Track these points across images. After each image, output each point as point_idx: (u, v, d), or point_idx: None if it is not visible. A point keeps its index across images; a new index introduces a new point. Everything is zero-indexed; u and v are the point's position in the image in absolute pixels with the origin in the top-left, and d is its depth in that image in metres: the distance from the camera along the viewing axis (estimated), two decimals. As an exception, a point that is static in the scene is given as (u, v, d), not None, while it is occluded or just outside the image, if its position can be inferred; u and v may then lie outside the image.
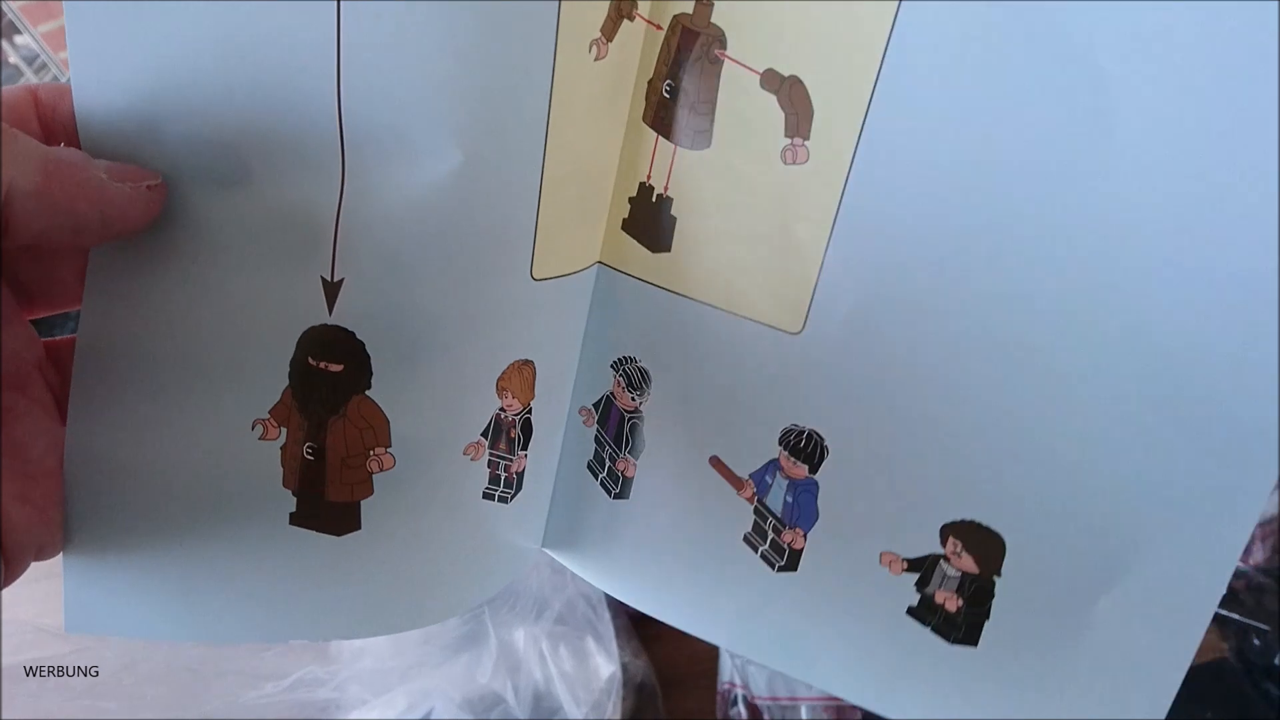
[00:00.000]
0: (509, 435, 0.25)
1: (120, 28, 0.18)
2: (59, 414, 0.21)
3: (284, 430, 0.21)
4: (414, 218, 0.21)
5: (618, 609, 0.51)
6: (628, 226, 0.24)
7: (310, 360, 0.21)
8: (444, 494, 0.24)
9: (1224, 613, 0.45)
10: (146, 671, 0.39)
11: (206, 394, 0.21)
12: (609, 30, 0.22)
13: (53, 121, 0.19)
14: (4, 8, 0.51)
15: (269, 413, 0.21)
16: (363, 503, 0.22)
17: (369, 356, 0.21)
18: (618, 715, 0.44)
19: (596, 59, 0.21)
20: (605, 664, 0.44)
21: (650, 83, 0.23)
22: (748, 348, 0.23)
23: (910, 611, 0.24)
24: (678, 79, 0.22)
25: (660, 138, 0.23)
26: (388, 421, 0.22)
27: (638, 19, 0.22)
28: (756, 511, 0.25)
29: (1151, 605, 0.21)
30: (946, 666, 0.23)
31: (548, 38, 0.20)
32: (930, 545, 0.23)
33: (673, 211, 0.24)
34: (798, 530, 0.24)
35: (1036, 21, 0.18)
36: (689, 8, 0.22)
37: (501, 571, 0.27)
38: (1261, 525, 0.46)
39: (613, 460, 0.26)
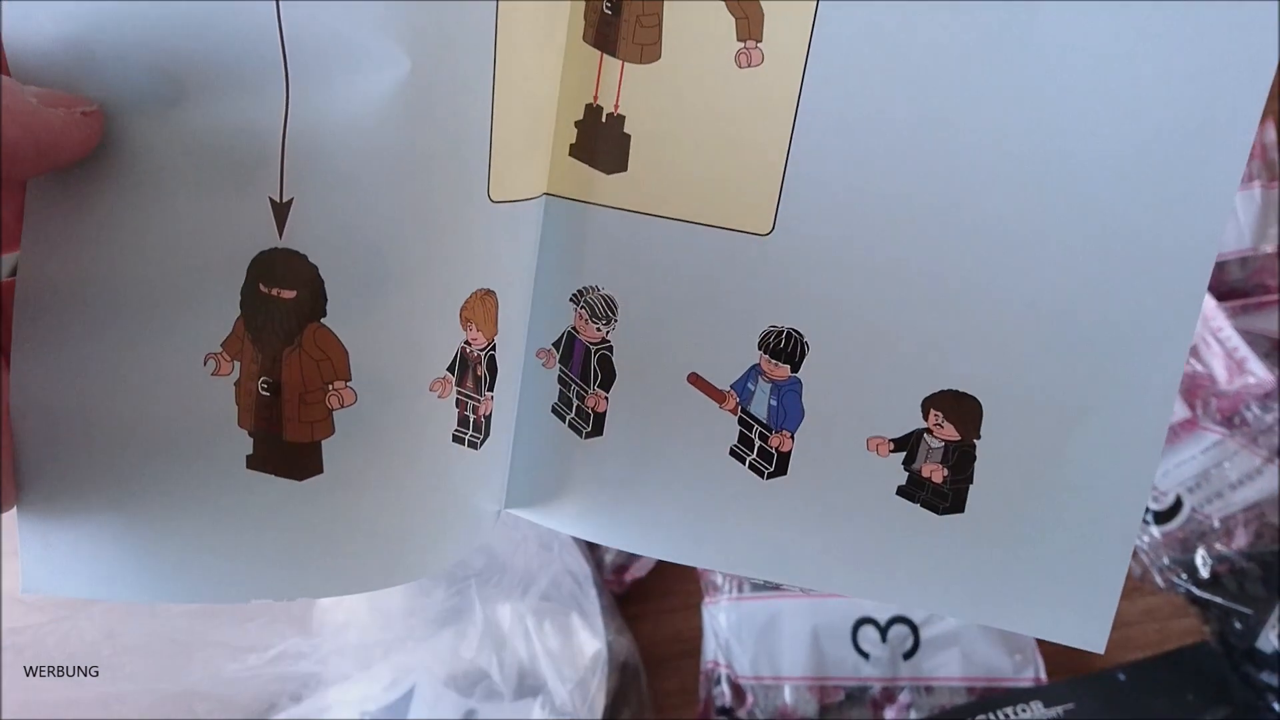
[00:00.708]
0: (475, 373, 0.24)
1: None
2: (2, 361, 0.20)
3: (237, 365, 0.20)
4: (364, 131, 0.20)
5: (601, 587, 0.50)
6: (577, 151, 0.24)
7: (262, 287, 0.20)
8: (411, 434, 0.23)
9: (1206, 596, 0.46)
10: (126, 642, 0.38)
11: (155, 329, 0.20)
12: None
13: None
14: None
15: (221, 346, 0.20)
16: (324, 444, 0.21)
17: (323, 281, 0.20)
18: (602, 693, 0.44)
19: None
20: (590, 641, 0.44)
21: (588, 1, 0.23)
22: (719, 256, 0.23)
23: (900, 491, 0.24)
24: None
25: (605, 56, 0.23)
26: (346, 353, 0.21)
27: None
28: (741, 421, 0.25)
29: (1113, 437, 0.22)
30: (939, 539, 0.24)
31: None
32: (913, 422, 0.24)
33: (625, 129, 0.23)
34: (784, 433, 0.24)
35: None
36: None
37: (473, 530, 0.26)
38: (1244, 511, 0.46)
39: (581, 398, 0.26)
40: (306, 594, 0.22)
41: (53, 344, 0.20)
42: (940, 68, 0.21)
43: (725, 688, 0.48)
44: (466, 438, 0.24)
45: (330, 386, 0.21)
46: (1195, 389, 0.49)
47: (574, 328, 0.25)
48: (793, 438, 0.24)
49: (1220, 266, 0.52)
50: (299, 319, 0.21)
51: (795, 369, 0.24)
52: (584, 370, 0.26)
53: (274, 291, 0.20)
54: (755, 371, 0.24)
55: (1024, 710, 0.44)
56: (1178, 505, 0.47)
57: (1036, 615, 0.24)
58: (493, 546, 0.45)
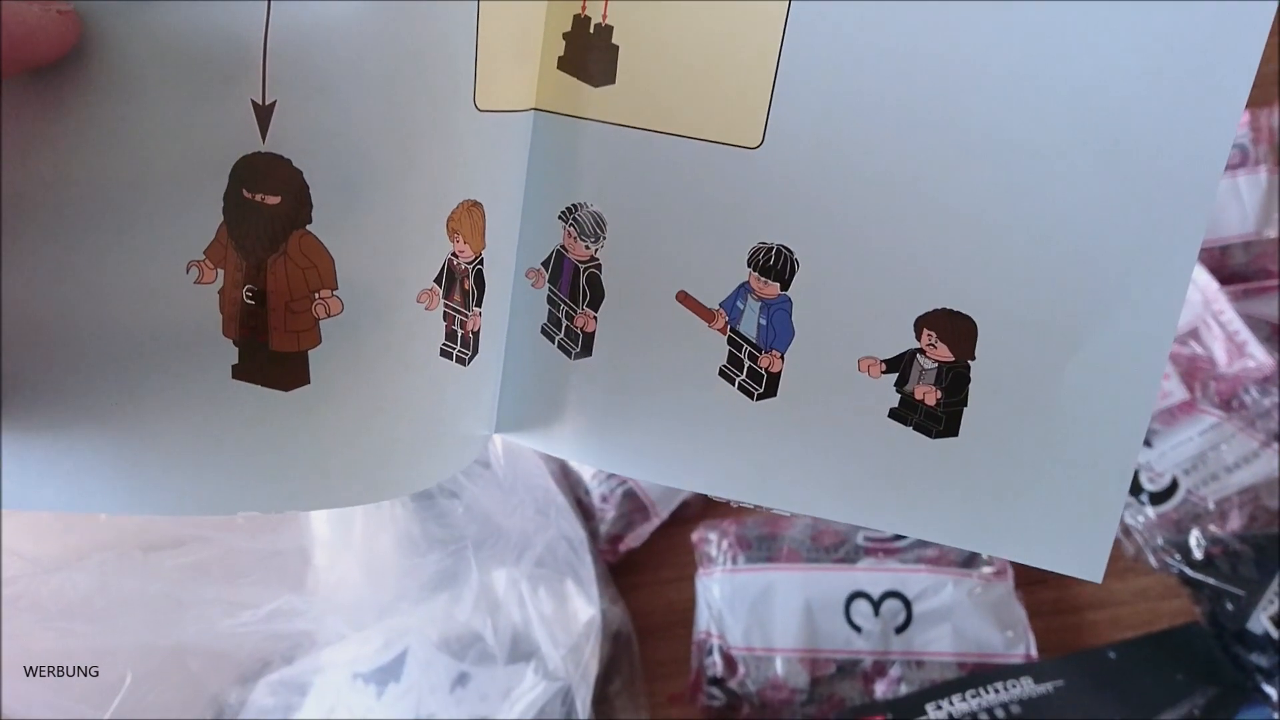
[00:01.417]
0: (463, 286, 0.23)
1: None
2: None
3: (220, 273, 0.20)
4: (348, 32, 0.19)
5: (596, 556, 0.50)
6: (565, 64, 0.23)
7: (245, 192, 0.20)
8: (399, 345, 0.22)
9: (1198, 577, 0.46)
10: (120, 595, 0.38)
11: (135, 236, 0.20)
12: None
13: None
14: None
15: (204, 253, 0.20)
16: (311, 354, 0.21)
17: (307, 186, 0.20)
18: (595, 659, 0.44)
19: None
20: (585, 608, 0.44)
21: None
22: (708, 171, 0.23)
23: (892, 414, 0.23)
24: None
25: None
26: (332, 260, 0.20)
27: None
28: (730, 341, 0.24)
29: (1112, 363, 0.22)
30: (931, 463, 0.23)
31: None
32: (906, 342, 0.23)
33: (614, 40, 0.23)
34: (774, 353, 0.24)
35: None
36: None
37: (461, 450, 0.25)
38: (1240, 494, 0.46)
39: (570, 318, 0.25)
40: (293, 507, 0.22)
41: (30, 252, 0.19)
42: None
43: (717, 658, 0.48)
44: (454, 352, 0.24)
45: (317, 295, 0.21)
46: (1195, 371, 0.49)
47: (563, 246, 0.25)
48: (782, 358, 0.24)
49: (1223, 250, 0.52)
50: (283, 225, 0.20)
51: (785, 287, 0.24)
52: (573, 289, 0.25)
53: (257, 197, 0.20)
54: (745, 289, 0.24)
55: (1014, 686, 0.44)
56: (1173, 487, 0.47)
57: (1031, 543, 0.23)
58: (489, 511, 0.45)
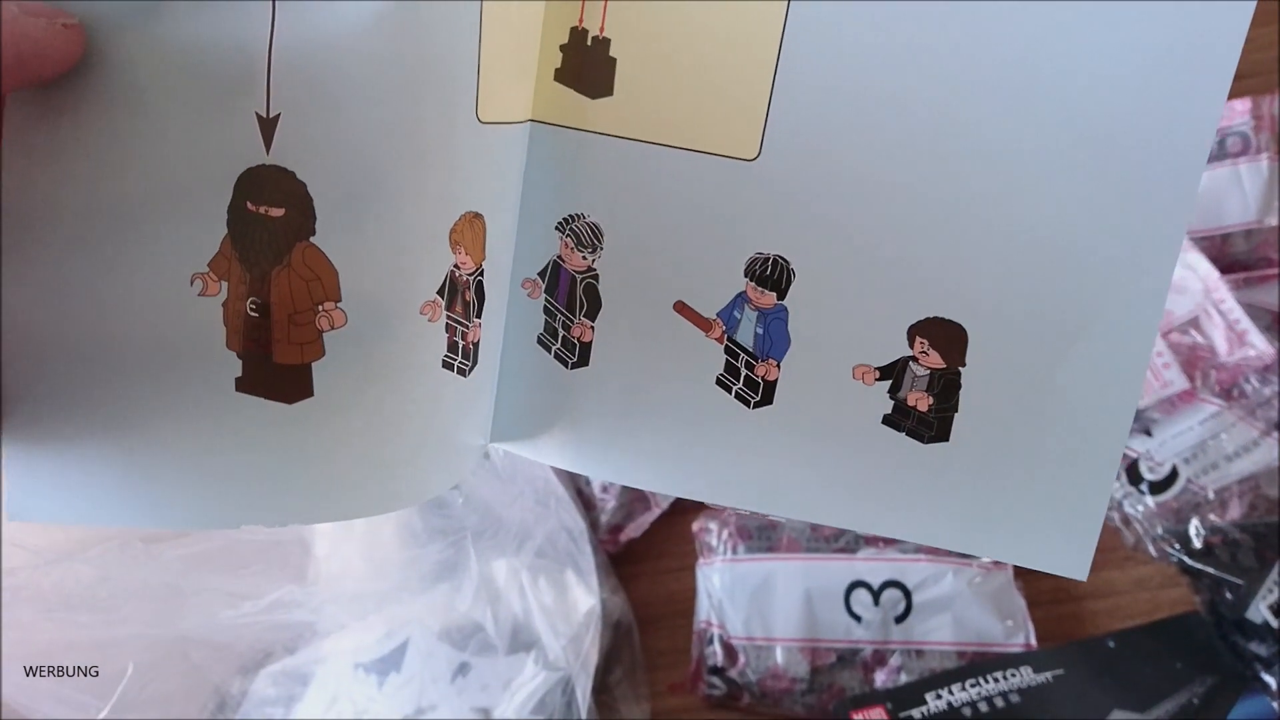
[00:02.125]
0: (464, 297, 0.23)
1: None
2: None
3: (225, 285, 0.20)
4: (352, 45, 0.19)
5: (596, 546, 0.50)
6: (562, 76, 0.23)
7: (249, 205, 0.20)
8: (402, 357, 0.22)
9: (1198, 566, 0.46)
10: (122, 586, 0.38)
11: (139, 248, 0.19)
12: None
13: None
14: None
15: (208, 265, 0.20)
16: (314, 366, 0.21)
17: (311, 198, 0.20)
18: (596, 649, 0.44)
19: None
20: (585, 598, 0.44)
21: None
22: (704, 182, 0.23)
23: (885, 420, 0.24)
24: None
25: None
26: (336, 272, 0.20)
27: None
28: (727, 350, 0.24)
29: (1097, 365, 0.22)
30: (924, 468, 0.24)
31: None
32: (899, 350, 0.23)
33: (611, 53, 0.23)
34: (770, 361, 0.24)
35: None
36: None
37: (459, 462, 0.25)
38: (1239, 483, 0.46)
39: (566, 328, 0.25)
40: (296, 520, 0.22)
41: (35, 264, 0.19)
42: None
43: (718, 647, 0.48)
44: (456, 364, 0.24)
45: (320, 307, 0.20)
46: (1195, 360, 0.48)
47: (560, 256, 0.25)
48: (779, 366, 0.24)
49: (1224, 239, 0.51)
50: (287, 237, 0.20)
51: (782, 296, 0.24)
52: (570, 299, 0.25)
53: (261, 209, 0.20)
54: (742, 299, 0.24)
55: (1013, 675, 0.44)
56: (1173, 476, 0.47)
57: (1019, 544, 0.24)
58: (489, 501, 0.45)
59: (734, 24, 0.22)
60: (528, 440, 0.26)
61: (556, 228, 0.25)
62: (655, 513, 0.55)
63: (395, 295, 0.22)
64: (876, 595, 0.47)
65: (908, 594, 0.47)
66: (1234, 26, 0.20)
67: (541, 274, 0.25)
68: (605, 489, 0.55)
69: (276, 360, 0.21)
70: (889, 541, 0.49)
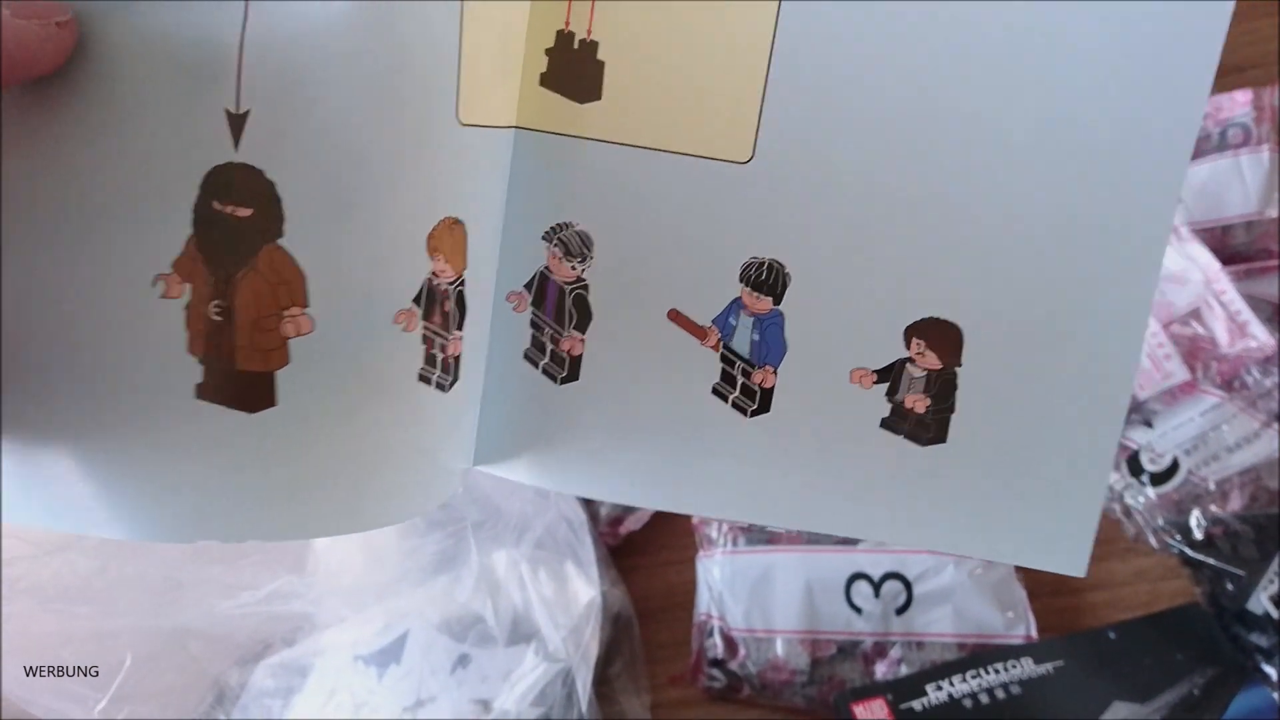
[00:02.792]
0: (443, 307, 0.22)
1: None
2: None
3: (189, 287, 0.19)
4: (326, 41, 0.18)
5: (596, 538, 0.50)
6: (548, 80, 0.23)
7: (215, 204, 0.19)
8: (373, 367, 0.21)
9: (1199, 557, 0.45)
10: (119, 576, 0.38)
11: (102, 246, 0.19)
12: None
13: None
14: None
15: (171, 266, 0.19)
16: (279, 374, 0.20)
17: (280, 198, 0.19)
18: (596, 640, 0.44)
19: None
20: (585, 589, 0.44)
21: None
22: (697, 186, 0.23)
23: (883, 424, 0.24)
24: None
25: None
26: (304, 277, 0.20)
27: None
28: (723, 358, 0.24)
29: (1090, 361, 0.22)
30: (923, 470, 0.24)
31: None
32: (896, 352, 0.23)
33: (599, 56, 0.22)
34: (767, 368, 0.24)
35: None
36: None
37: (438, 485, 0.24)
38: (1240, 474, 0.46)
39: (555, 341, 0.25)
40: (255, 536, 0.21)
41: (7, 264, 0.19)
42: None
43: (718, 640, 0.47)
44: (434, 378, 0.23)
45: (286, 313, 0.20)
46: (1196, 351, 0.48)
47: (547, 268, 0.24)
48: (775, 373, 0.24)
49: (1225, 230, 0.51)
50: (254, 239, 0.19)
51: (777, 301, 0.23)
52: (558, 312, 0.24)
53: (228, 209, 0.19)
54: (736, 305, 0.24)
55: (1014, 666, 0.44)
56: (1174, 467, 0.47)
57: (1018, 544, 0.23)
58: (489, 493, 0.45)
59: (725, 25, 0.21)
60: (514, 461, 0.25)
61: (543, 237, 0.24)
62: (655, 505, 0.55)
63: (367, 302, 0.21)
64: (877, 587, 0.47)
65: (908, 585, 0.46)
66: (1215, 24, 0.20)
67: (528, 285, 0.25)
68: (605, 481, 0.54)
69: (240, 367, 0.20)
70: (889, 533, 0.48)
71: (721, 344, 0.24)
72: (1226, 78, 0.53)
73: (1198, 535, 0.45)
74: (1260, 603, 0.43)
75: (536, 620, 0.44)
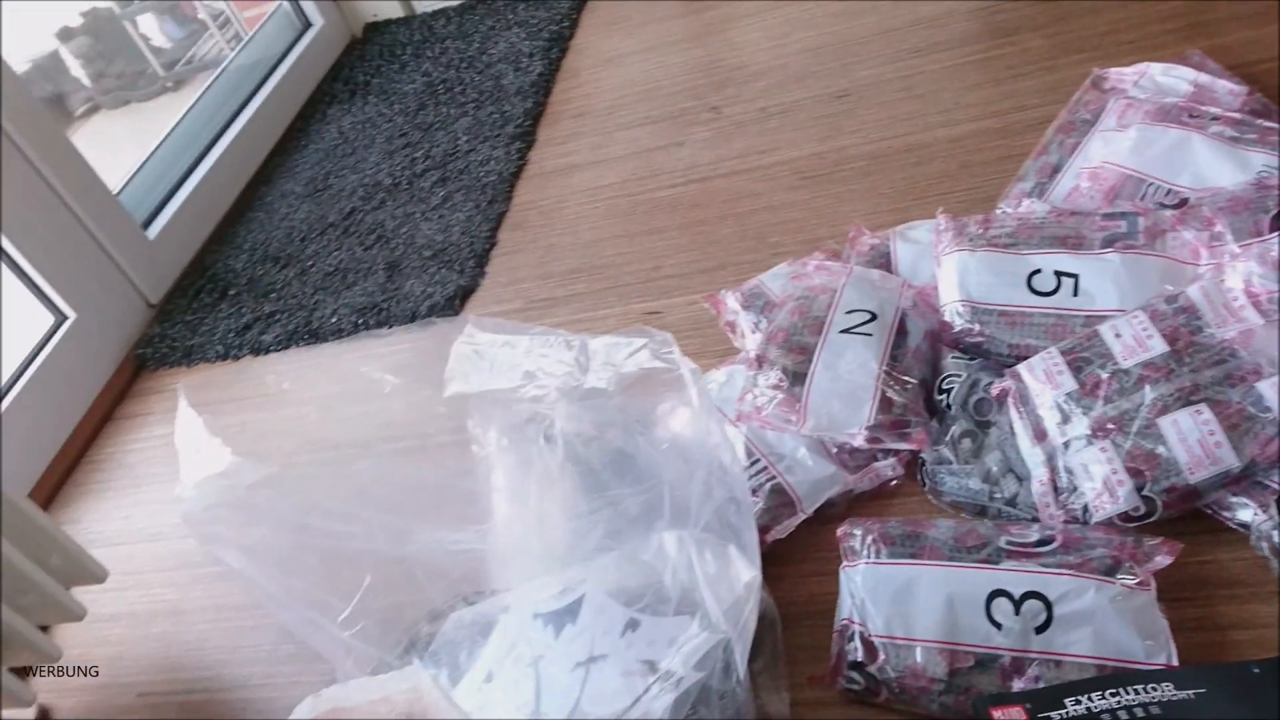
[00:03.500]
0: None
1: None
2: None
3: None
4: None
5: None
6: None
7: None
8: None
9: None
10: (375, 499, 0.44)
11: None
12: None
13: None
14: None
15: None
16: None
17: None
18: (754, 617, 0.47)
19: None
20: (746, 569, 0.47)
21: None
22: None
23: None
24: None
25: None
26: None
27: None
28: None
29: None
30: None
31: None
32: None
33: None
34: None
35: None
36: None
37: None
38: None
39: None
40: None
41: None
42: None
43: (858, 643, 0.49)
44: None
45: None
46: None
47: None
48: None
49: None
50: None
51: None
52: None
53: None
54: None
55: (1155, 689, 0.43)
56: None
57: None
58: (662, 476, 0.50)
59: None
60: None
61: None
62: (800, 517, 0.59)
63: None
64: (1018, 605, 0.47)
65: (1049, 605, 0.47)
66: None
67: None
68: (754, 492, 0.59)
69: None
70: (1031, 555, 0.50)
71: None
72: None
73: (1347, 582, 0.46)
74: None
75: (700, 595, 0.48)
